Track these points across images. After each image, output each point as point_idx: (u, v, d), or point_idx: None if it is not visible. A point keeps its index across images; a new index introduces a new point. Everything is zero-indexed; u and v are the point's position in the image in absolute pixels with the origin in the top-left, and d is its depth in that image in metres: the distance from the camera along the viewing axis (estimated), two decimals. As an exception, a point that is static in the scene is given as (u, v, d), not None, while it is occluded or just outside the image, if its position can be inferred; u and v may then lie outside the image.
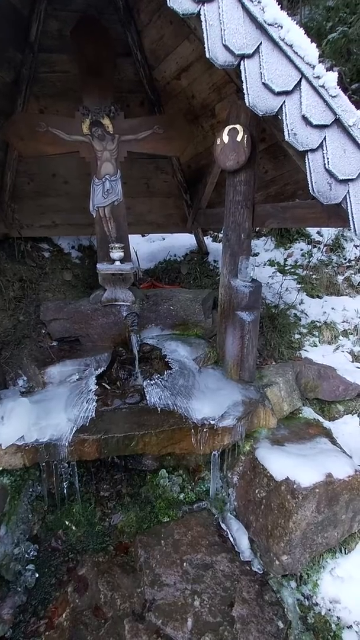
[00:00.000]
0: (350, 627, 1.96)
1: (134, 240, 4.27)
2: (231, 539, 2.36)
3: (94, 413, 2.33)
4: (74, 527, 2.37)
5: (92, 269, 3.96)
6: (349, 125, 1.63)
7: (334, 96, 1.62)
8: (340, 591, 2.05)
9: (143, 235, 5.03)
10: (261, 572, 2.19)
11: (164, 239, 4.98)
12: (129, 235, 3.14)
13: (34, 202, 3.70)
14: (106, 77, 2.77)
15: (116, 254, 2.92)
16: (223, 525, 2.44)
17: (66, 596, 2.02)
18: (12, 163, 3.43)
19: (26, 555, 2.19)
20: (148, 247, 4.86)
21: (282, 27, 1.59)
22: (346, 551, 2.22)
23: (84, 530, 2.36)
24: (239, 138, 2.30)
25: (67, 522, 2.38)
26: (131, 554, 2.26)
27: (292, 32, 1.59)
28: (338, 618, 1.99)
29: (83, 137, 2.82)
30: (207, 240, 4.76)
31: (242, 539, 2.33)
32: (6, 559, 2.08)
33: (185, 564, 2.17)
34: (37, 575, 2.12)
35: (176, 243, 4.76)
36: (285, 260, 4.53)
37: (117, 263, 2.95)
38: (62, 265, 3.95)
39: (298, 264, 4.46)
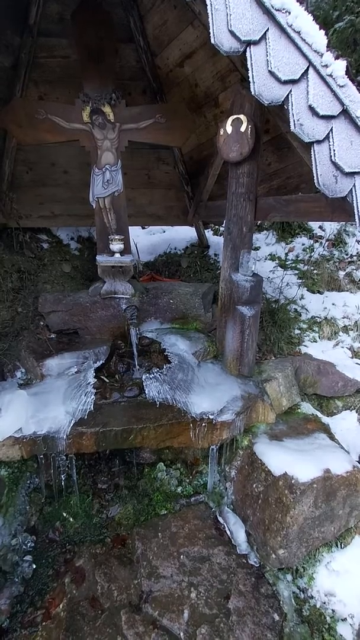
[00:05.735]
0: (344, 619, 1.98)
1: (134, 232, 4.23)
2: (228, 532, 2.37)
3: (92, 406, 2.32)
4: (71, 519, 2.38)
5: (91, 260, 3.94)
6: (357, 117, 1.59)
7: (342, 86, 1.57)
8: (335, 584, 2.08)
9: (143, 228, 4.98)
10: (257, 565, 2.21)
11: (164, 232, 4.93)
12: (129, 227, 3.10)
13: (32, 192, 3.64)
14: (107, 64, 2.70)
15: (116, 246, 2.89)
16: (220, 519, 2.44)
17: (63, 587, 2.03)
18: (10, 151, 3.37)
19: (23, 547, 2.19)
20: (148, 239, 4.81)
21: (290, 13, 1.54)
22: (342, 545, 2.24)
23: (81, 522, 2.37)
24: (242, 128, 2.25)
25: (64, 514, 2.39)
26: (128, 546, 2.27)
27: (300, 18, 1.54)
28: (333, 611, 2.01)
29: (83, 125, 2.75)
30: (208, 233, 4.72)
31: (239, 533, 2.34)
32: (3, 550, 2.09)
33: (182, 556, 2.18)
34: (34, 566, 2.12)
35: (177, 236, 4.71)
36: (287, 254, 4.50)
37: (117, 255, 2.92)
38: (61, 257, 3.91)
39: (299, 258, 4.43)
